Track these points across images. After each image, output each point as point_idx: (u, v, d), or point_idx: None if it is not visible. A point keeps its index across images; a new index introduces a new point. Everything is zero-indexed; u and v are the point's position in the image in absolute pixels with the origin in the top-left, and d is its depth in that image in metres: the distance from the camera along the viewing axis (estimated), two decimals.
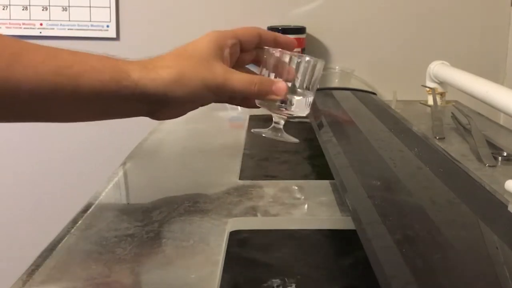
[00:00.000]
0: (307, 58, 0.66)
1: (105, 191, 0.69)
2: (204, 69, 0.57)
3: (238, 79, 0.59)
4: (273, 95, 0.61)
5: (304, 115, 0.67)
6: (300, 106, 0.66)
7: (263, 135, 0.67)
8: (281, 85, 0.61)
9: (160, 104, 0.57)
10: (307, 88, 0.66)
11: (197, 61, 0.57)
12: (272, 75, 0.65)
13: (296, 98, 0.65)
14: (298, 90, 0.65)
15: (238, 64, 0.64)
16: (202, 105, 0.61)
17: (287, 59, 0.64)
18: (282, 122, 0.67)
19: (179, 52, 0.59)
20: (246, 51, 0.64)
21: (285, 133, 0.68)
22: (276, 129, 0.68)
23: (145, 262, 0.50)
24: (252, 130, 0.69)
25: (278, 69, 0.64)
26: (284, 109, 0.65)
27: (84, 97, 0.52)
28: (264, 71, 0.65)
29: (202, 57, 0.58)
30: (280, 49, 0.64)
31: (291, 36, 1.26)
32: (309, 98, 0.67)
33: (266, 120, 0.70)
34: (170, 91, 0.55)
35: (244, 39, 0.63)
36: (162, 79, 0.55)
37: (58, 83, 0.51)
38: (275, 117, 0.67)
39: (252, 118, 1.08)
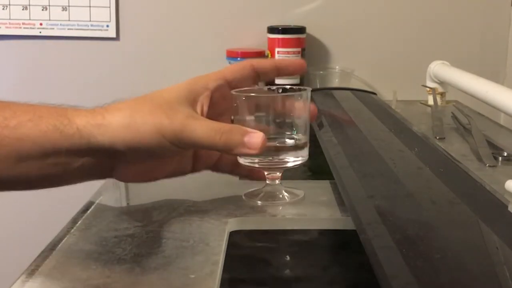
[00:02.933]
0: (293, 92, 0.57)
1: (105, 191, 0.69)
2: (161, 113, 0.47)
3: (201, 125, 0.48)
4: (245, 149, 0.49)
5: (303, 162, 0.60)
6: (297, 151, 0.59)
7: (258, 203, 0.60)
8: (257, 136, 0.50)
9: (113, 157, 0.49)
10: (300, 126, 0.59)
11: (157, 105, 0.48)
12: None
13: (288, 142, 0.59)
14: (287, 132, 0.59)
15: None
16: (166, 158, 0.51)
17: (263, 99, 0.56)
18: (278, 174, 0.61)
19: (143, 96, 0.50)
20: (241, 86, 0.55)
21: (285, 189, 0.62)
22: (272, 190, 0.61)
23: (145, 262, 0.50)
24: (243, 196, 0.62)
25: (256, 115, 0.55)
26: (276, 158, 0.58)
27: (28, 153, 0.46)
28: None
29: (166, 101, 0.48)
30: (253, 88, 0.55)
31: (291, 36, 1.27)
32: (305, 138, 0.59)
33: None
34: (118, 138, 0.46)
35: (233, 77, 0.53)
36: (109, 124, 0.46)
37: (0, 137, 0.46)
38: (267, 172, 0.60)
39: None
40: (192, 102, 0.49)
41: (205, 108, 0.50)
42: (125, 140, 0.46)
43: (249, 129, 0.50)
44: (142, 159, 0.50)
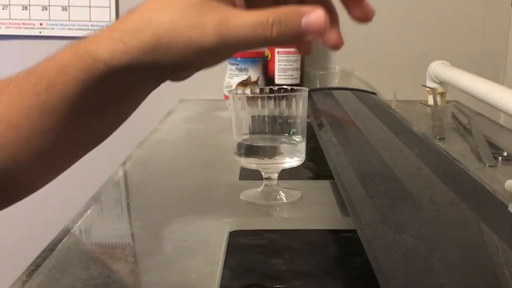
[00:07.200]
0: (291, 93, 0.58)
1: (105, 191, 0.69)
2: (188, 26, 0.39)
3: (241, 25, 0.38)
4: (307, 34, 0.39)
5: (300, 163, 0.61)
6: (294, 152, 0.60)
7: (255, 203, 0.61)
8: (316, 14, 0.39)
9: (153, 71, 0.43)
10: (297, 127, 0.59)
11: (180, 13, 0.40)
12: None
13: (286, 142, 0.59)
14: (284, 133, 0.59)
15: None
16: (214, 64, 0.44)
17: (262, 99, 0.57)
18: (275, 175, 0.62)
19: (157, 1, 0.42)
20: None
21: (282, 190, 0.63)
22: (269, 190, 0.62)
23: (145, 262, 0.50)
24: (241, 197, 0.63)
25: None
26: (273, 159, 0.58)
27: (72, 108, 0.42)
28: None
29: (187, 1, 0.40)
30: (252, 88, 0.56)
31: None
32: (302, 139, 0.60)
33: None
34: (152, 60, 0.40)
35: None
36: (133, 51, 0.40)
37: (29, 107, 0.42)
38: (264, 173, 0.61)
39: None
40: None
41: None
42: (159, 63, 0.41)
43: (301, 8, 0.39)
44: (178, 72, 0.44)
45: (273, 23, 0.38)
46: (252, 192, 0.64)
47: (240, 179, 0.72)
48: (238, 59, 1.24)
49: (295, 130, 0.60)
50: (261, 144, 0.60)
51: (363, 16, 0.46)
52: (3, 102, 0.43)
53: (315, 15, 0.39)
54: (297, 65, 1.25)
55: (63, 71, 0.42)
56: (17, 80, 0.44)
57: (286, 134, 0.60)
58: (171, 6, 0.40)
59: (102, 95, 0.43)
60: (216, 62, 0.43)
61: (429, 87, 1.17)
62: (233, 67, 1.25)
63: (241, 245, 0.55)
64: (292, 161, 0.60)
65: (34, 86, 0.43)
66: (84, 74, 0.41)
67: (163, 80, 0.45)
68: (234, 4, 0.41)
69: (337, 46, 0.45)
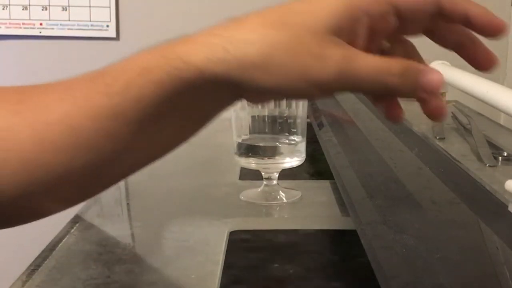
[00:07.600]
0: None
1: (105, 191, 0.69)
2: (307, 53, 0.35)
3: (365, 66, 0.36)
4: (423, 91, 0.38)
5: (300, 163, 0.62)
6: (294, 152, 0.60)
7: (255, 203, 0.62)
8: (437, 74, 0.38)
9: (241, 89, 0.38)
10: (297, 127, 0.60)
11: (298, 37, 0.36)
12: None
13: (286, 142, 0.60)
14: (284, 133, 0.60)
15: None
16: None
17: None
18: (276, 175, 0.62)
19: (277, 14, 0.37)
20: (410, 27, 0.42)
21: (282, 190, 0.63)
22: (269, 190, 0.62)
23: (145, 262, 0.50)
24: (241, 197, 0.63)
25: None
26: (273, 159, 0.59)
27: (149, 113, 0.38)
28: None
29: (311, 30, 0.36)
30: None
31: None
32: (302, 139, 0.61)
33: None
34: (249, 78, 0.36)
35: (406, 7, 0.39)
36: (236, 61, 0.36)
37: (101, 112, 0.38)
38: (264, 173, 0.62)
39: None
40: (345, 31, 0.36)
41: (361, 41, 0.37)
42: (259, 83, 0.36)
43: (421, 65, 0.38)
44: (268, 96, 0.40)
45: (399, 72, 0.37)
46: (252, 192, 0.64)
47: (240, 179, 0.72)
48: None
49: (295, 130, 0.60)
50: (261, 144, 0.60)
51: (488, 63, 0.43)
52: (67, 102, 0.39)
53: (436, 74, 0.38)
54: None
55: (145, 73, 0.38)
56: (83, 80, 0.40)
57: (286, 134, 0.60)
58: (290, 27, 0.36)
59: (180, 104, 0.39)
60: (317, 97, 0.39)
61: None
62: None
63: (241, 245, 0.55)
64: (292, 161, 0.60)
65: (106, 87, 0.38)
66: (169, 77, 0.37)
67: (240, 99, 0.41)
68: (354, 46, 0.38)
69: (440, 116, 0.41)
